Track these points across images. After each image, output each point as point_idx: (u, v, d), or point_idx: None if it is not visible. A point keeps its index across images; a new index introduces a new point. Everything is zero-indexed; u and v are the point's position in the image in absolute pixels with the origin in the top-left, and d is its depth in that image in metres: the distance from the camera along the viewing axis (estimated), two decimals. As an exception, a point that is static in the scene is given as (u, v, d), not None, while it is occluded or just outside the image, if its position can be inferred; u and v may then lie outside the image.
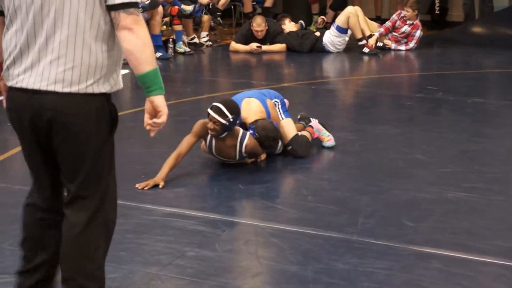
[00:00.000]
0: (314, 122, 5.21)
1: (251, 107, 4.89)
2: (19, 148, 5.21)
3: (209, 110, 4.52)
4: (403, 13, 9.47)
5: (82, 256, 2.68)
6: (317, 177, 4.73)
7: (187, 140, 4.58)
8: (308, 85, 7.64)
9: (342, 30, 9.25)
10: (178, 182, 4.50)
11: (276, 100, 5.13)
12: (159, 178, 4.42)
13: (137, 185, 4.37)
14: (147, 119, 2.63)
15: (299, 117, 5.29)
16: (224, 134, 4.56)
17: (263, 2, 11.29)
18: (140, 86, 2.60)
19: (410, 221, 3.85)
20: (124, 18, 2.50)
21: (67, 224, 2.68)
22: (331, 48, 9.36)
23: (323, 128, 5.20)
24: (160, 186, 4.38)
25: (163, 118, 2.59)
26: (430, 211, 4.01)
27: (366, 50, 9.24)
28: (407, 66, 9.16)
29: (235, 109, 4.54)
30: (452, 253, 3.47)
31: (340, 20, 9.26)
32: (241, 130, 4.67)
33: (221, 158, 4.73)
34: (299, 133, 5.02)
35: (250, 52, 9.46)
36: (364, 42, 9.26)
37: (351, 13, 9.13)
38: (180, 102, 6.81)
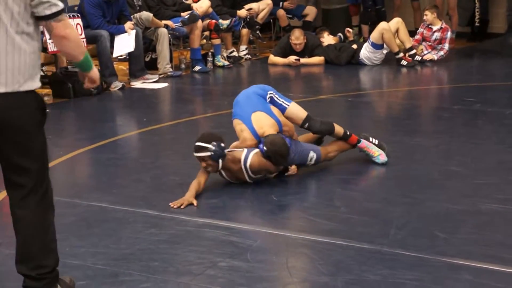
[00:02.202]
0: (372, 140, 5.15)
1: (262, 122, 4.77)
2: (59, 160, 5.39)
3: (194, 154, 4.56)
4: (424, 18, 9.51)
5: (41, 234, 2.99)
6: (350, 188, 4.73)
7: (200, 174, 4.58)
8: (345, 97, 7.65)
9: (377, 46, 9.26)
10: (212, 194, 4.56)
11: (270, 92, 4.95)
12: (191, 197, 4.42)
13: (171, 204, 4.35)
14: (87, 83, 3.18)
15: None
16: (221, 163, 4.54)
17: (303, 16, 11.33)
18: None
19: (442, 232, 3.84)
20: (56, 26, 2.89)
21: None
22: (368, 63, 9.38)
23: (372, 145, 5.11)
24: (195, 204, 4.39)
25: (97, 83, 3.19)
26: (463, 223, 3.99)
27: (404, 62, 9.22)
28: (445, 78, 9.10)
29: (211, 137, 4.55)
30: (484, 265, 3.44)
31: (374, 36, 9.26)
32: (243, 152, 4.63)
33: (239, 181, 4.73)
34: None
35: (288, 65, 9.53)
36: (401, 55, 9.24)
37: (385, 29, 9.12)
38: (218, 115, 6.89)
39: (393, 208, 4.23)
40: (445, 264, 3.46)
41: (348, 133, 5.07)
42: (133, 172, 5.10)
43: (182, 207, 4.34)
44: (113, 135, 6.25)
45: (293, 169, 4.87)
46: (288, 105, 4.98)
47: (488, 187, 4.55)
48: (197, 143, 4.55)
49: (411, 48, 9.35)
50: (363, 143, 5.09)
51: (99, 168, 5.29)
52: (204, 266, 3.50)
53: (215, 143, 4.49)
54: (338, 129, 5.04)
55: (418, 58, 9.34)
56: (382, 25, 9.26)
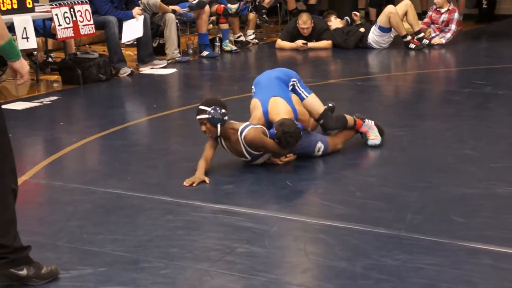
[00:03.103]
0: (369, 121, 5.15)
1: (279, 108, 4.75)
2: (72, 147, 5.39)
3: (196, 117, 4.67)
4: (435, 1, 9.49)
5: None
6: (365, 174, 4.72)
7: (207, 145, 4.70)
8: (354, 81, 7.63)
9: (384, 30, 9.24)
10: (226, 179, 4.56)
11: (294, 80, 4.94)
12: (202, 174, 4.50)
13: (184, 183, 4.44)
14: (13, 77, 3.14)
15: (354, 117, 5.15)
16: (219, 130, 4.59)
17: (308, 0, 11.30)
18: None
19: (459, 216, 3.84)
20: None
21: None
22: (376, 46, 9.35)
23: (375, 128, 5.13)
24: (208, 182, 4.46)
25: (24, 78, 3.10)
26: (480, 207, 3.99)
27: (412, 45, 9.19)
28: (453, 60, 9.07)
29: (213, 101, 4.66)
30: (503, 249, 3.44)
31: (381, 20, 9.23)
32: (243, 124, 4.69)
33: (241, 158, 4.76)
34: (326, 107, 5.00)
35: (296, 49, 9.50)
36: (409, 38, 9.20)
37: (392, 13, 9.10)
38: (227, 100, 6.85)
39: (408, 193, 4.23)
40: (464, 249, 3.46)
41: (356, 121, 5.08)
42: (146, 159, 5.10)
43: (194, 185, 4.41)
44: (124, 121, 6.25)
45: (290, 157, 4.80)
46: (307, 96, 4.95)
47: (504, 170, 4.55)
48: (199, 106, 4.65)
49: (419, 31, 9.32)
50: (364, 127, 5.10)
51: (112, 155, 5.29)
52: (222, 252, 3.51)
53: (214, 107, 4.58)
54: (350, 121, 5.06)
55: (426, 41, 9.31)
56: (389, 8, 9.22)
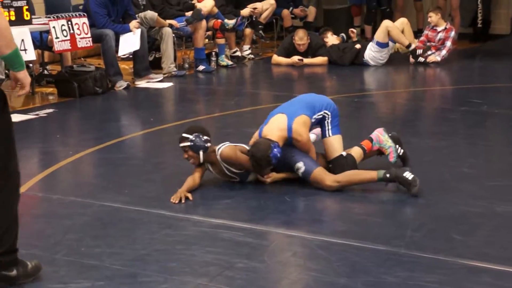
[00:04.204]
0: (375, 133, 5.02)
1: (273, 124, 4.68)
2: (69, 159, 5.37)
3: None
4: (429, 20, 9.52)
5: None
6: (363, 190, 4.71)
7: (195, 170, 4.69)
8: (350, 98, 7.64)
9: (382, 45, 9.25)
10: (225, 194, 4.55)
11: (326, 112, 4.80)
12: (184, 191, 4.48)
13: (172, 200, 4.41)
14: (13, 88, 3.16)
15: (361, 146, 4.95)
16: (202, 156, 4.60)
17: (305, 17, 11.34)
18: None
19: (458, 234, 3.83)
20: None
21: None
22: (372, 63, 9.36)
23: (385, 140, 4.96)
24: (190, 198, 4.45)
25: (25, 89, 3.16)
26: (478, 225, 3.99)
27: (420, 51, 9.25)
28: (449, 79, 9.11)
29: (193, 129, 4.67)
30: (502, 267, 3.43)
31: (380, 36, 9.24)
32: (221, 144, 4.71)
33: (231, 180, 4.75)
34: (344, 154, 4.79)
35: (291, 65, 9.52)
36: (413, 46, 9.23)
37: (389, 27, 9.13)
38: (224, 115, 6.88)
39: (407, 210, 4.24)
40: (463, 267, 3.45)
41: (364, 149, 4.91)
42: (144, 172, 5.08)
43: (182, 201, 4.39)
44: (121, 134, 6.24)
45: (272, 176, 4.69)
46: (329, 136, 4.80)
47: (502, 189, 4.55)
48: (182, 134, 4.66)
49: (409, 45, 9.29)
50: (376, 145, 4.96)
51: (109, 168, 5.27)
52: (222, 267, 3.49)
53: (196, 134, 4.60)
54: (360, 157, 4.86)
55: (421, 59, 9.35)
56: (386, 23, 9.26)
